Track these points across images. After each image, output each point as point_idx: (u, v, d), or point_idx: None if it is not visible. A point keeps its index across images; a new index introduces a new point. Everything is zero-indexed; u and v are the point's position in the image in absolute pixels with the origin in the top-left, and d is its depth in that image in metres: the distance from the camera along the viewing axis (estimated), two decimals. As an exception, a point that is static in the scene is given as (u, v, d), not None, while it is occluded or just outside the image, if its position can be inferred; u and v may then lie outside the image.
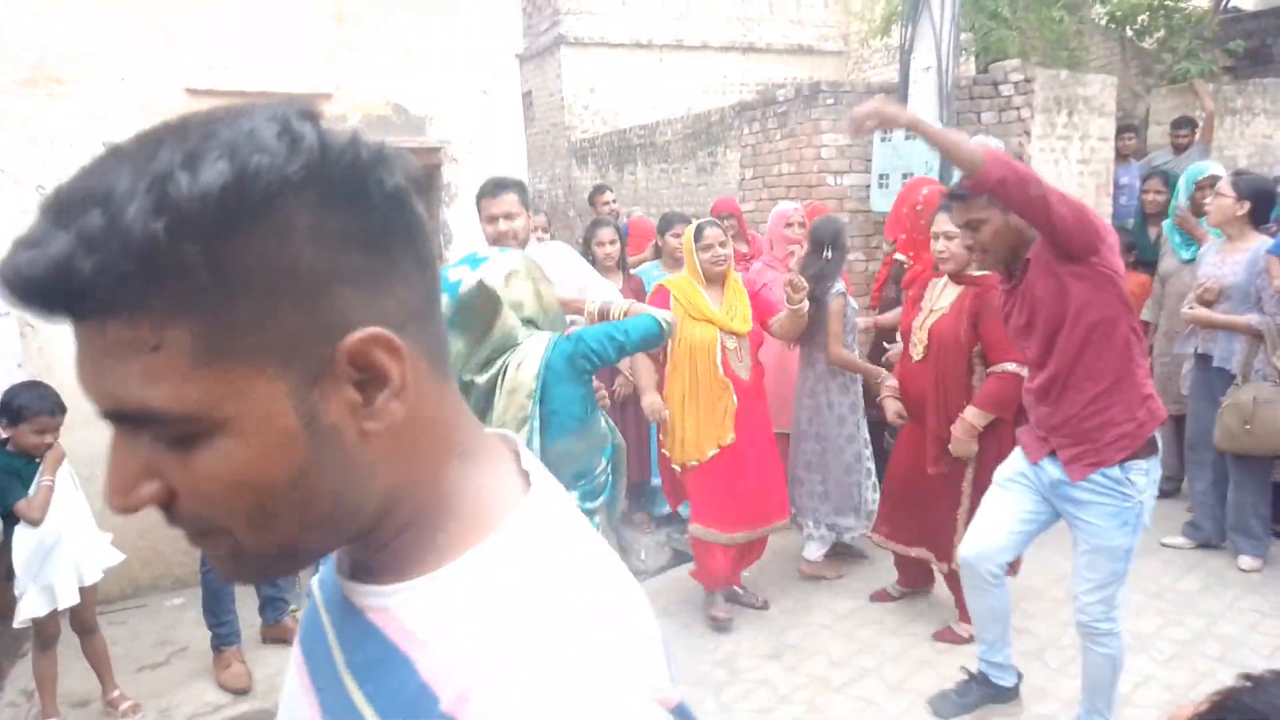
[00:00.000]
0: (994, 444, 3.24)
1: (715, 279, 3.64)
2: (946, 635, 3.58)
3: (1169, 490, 4.91)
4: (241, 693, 3.37)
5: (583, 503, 2.42)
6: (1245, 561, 4.11)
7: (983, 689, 3.03)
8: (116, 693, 3.27)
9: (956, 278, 3.34)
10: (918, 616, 3.76)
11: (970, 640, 3.36)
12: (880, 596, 3.92)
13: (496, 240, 3.00)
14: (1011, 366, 3.15)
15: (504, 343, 2.32)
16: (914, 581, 3.88)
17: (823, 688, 3.29)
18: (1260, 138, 8.53)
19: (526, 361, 2.31)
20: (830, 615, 3.84)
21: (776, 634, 3.66)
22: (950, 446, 3.31)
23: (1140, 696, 3.13)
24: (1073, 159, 6.80)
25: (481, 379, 2.33)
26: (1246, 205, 3.96)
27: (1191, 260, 4.57)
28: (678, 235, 4.59)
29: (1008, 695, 3.02)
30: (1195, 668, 3.32)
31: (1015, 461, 2.81)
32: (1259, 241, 3.95)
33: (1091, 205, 6.77)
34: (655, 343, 2.58)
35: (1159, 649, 3.45)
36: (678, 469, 3.69)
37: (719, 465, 3.59)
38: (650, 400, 3.60)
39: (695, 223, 3.73)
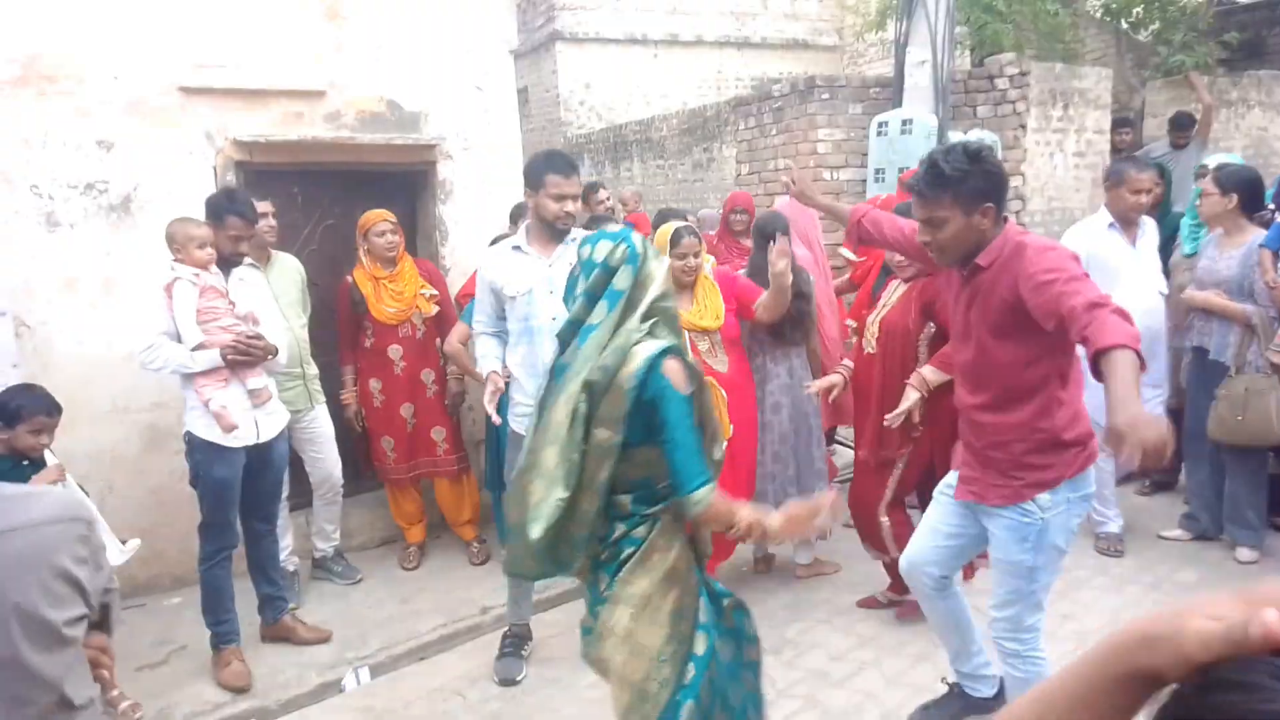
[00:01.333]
0: (925, 445, 3.45)
1: (685, 285, 3.65)
2: (869, 602, 3.84)
3: (1166, 483, 4.93)
4: (241, 691, 3.36)
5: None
6: (1242, 553, 4.12)
7: (960, 701, 2.95)
8: (116, 692, 3.23)
9: (909, 276, 3.48)
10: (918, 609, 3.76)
11: (887, 606, 3.77)
12: (868, 603, 3.86)
13: (556, 220, 3.13)
14: None
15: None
16: (903, 589, 3.76)
17: (821, 682, 3.30)
18: (1256, 130, 8.55)
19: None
20: (829, 610, 3.85)
21: (775, 628, 3.66)
22: (901, 403, 3.27)
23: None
24: (1069, 152, 6.81)
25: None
26: (1234, 198, 3.97)
27: (1193, 254, 4.57)
28: None
29: (985, 706, 2.93)
30: (1193, 659, 3.32)
31: (951, 474, 2.78)
32: (1254, 235, 3.97)
33: (1086, 198, 6.79)
34: None
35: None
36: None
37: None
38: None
39: (674, 228, 3.71)
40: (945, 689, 3.02)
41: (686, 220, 4.75)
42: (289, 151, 4.40)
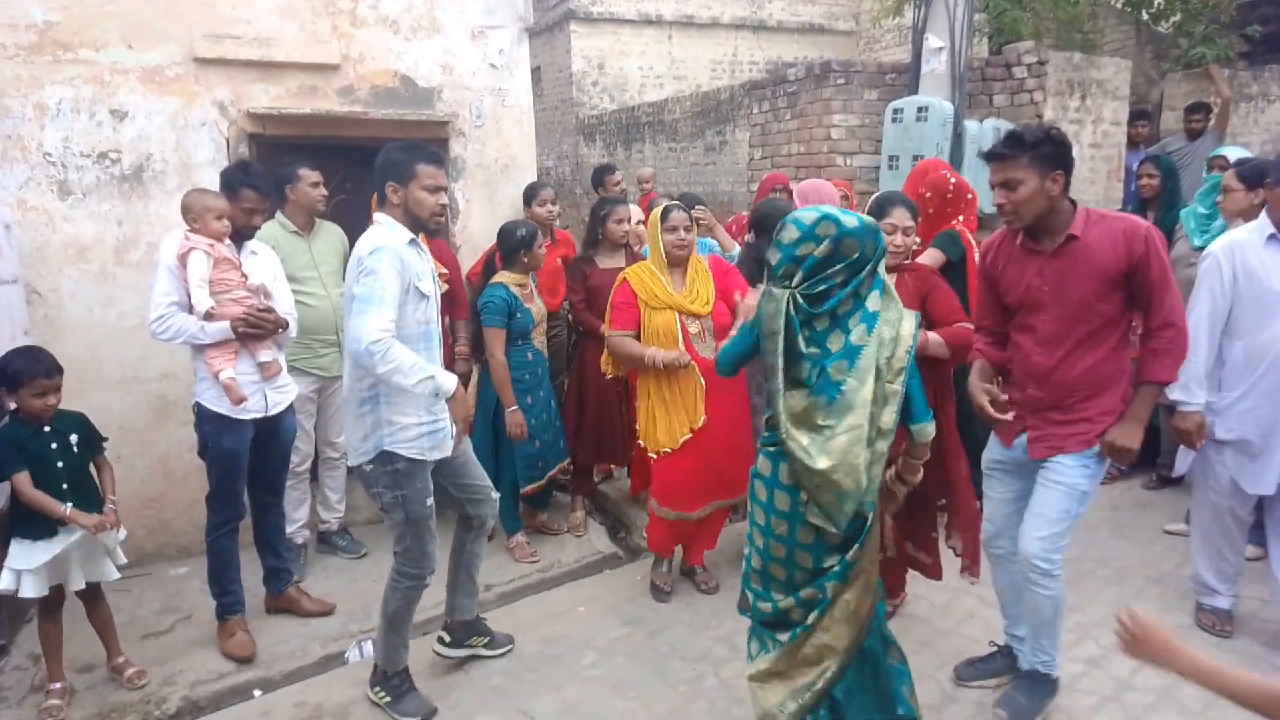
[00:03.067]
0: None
1: (677, 262, 3.65)
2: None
3: (1173, 478, 4.91)
4: (245, 661, 3.40)
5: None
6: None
7: (1006, 660, 3.14)
8: (121, 659, 3.30)
9: (893, 268, 3.38)
10: (917, 599, 3.77)
11: (890, 613, 3.56)
12: None
13: (432, 216, 2.91)
14: (970, 326, 3.27)
15: None
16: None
17: (822, 666, 3.31)
18: (1275, 124, 8.46)
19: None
20: (831, 595, 3.85)
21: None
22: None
23: (1141, 680, 3.13)
24: (1084, 143, 6.74)
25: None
26: (1259, 193, 3.91)
27: (1203, 248, 4.52)
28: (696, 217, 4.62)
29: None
30: (1194, 653, 3.33)
31: (992, 449, 3.01)
32: None
33: (1101, 190, 6.73)
34: None
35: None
36: (653, 456, 3.71)
37: (689, 451, 3.62)
38: (653, 353, 3.58)
39: (663, 204, 3.73)
40: (994, 649, 3.20)
41: (703, 205, 4.75)
42: (302, 124, 4.39)
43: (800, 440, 2.27)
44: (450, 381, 2.79)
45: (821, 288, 2.28)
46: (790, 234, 2.33)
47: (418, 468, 2.92)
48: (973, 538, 3.35)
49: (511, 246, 4.05)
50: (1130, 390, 2.74)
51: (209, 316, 3.23)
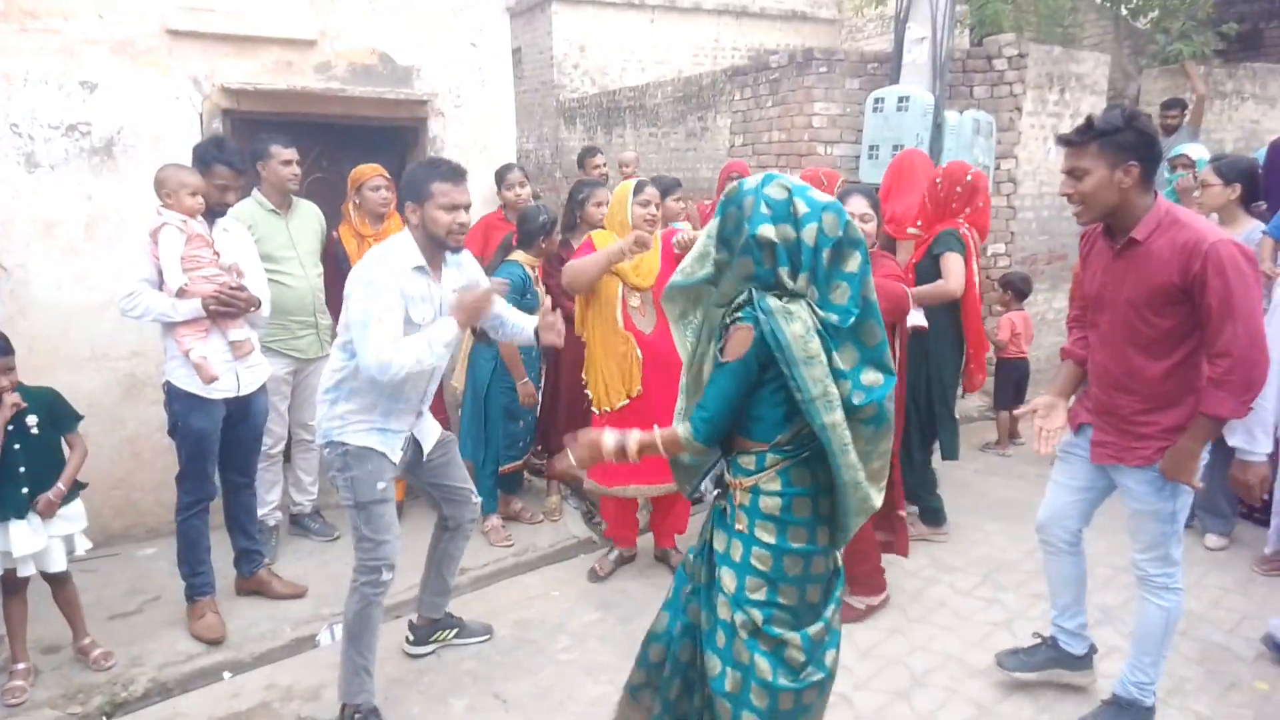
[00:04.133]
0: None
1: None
2: (847, 614, 3.51)
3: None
4: (215, 643, 3.36)
5: None
6: (1211, 540, 4.18)
7: (1051, 652, 3.06)
8: (88, 640, 3.26)
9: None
10: (890, 585, 3.80)
11: (866, 612, 3.54)
12: None
13: (449, 234, 2.82)
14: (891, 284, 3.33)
15: None
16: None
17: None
18: (1248, 122, 8.56)
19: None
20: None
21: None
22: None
23: (1104, 667, 3.18)
24: (1062, 136, 6.78)
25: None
26: (1237, 188, 3.95)
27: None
28: (678, 200, 4.66)
29: (1076, 663, 3.04)
30: (1158, 642, 3.39)
31: (1068, 435, 2.87)
32: (1251, 226, 3.95)
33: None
34: None
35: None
36: (596, 413, 3.77)
37: (628, 417, 3.59)
38: (608, 248, 3.57)
39: (636, 179, 3.79)
40: (1039, 641, 3.11)
41: (681, 186, 4.77)
42: (278, 101, 4.32)
43: (869, 490, 2.06)
44: (448, 327, 2.75)
45: (825, 287, 2.00)
46: (764, 209, 1.99)
47: (368, 452, 2.86)
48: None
49: (532, 231, 4.11)
50: (1196, 410, 2.51)
51: (181, 294, 3.18)
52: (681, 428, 2.13)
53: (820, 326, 1.96)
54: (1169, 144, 6.65)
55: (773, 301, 1.97)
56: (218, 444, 3.39)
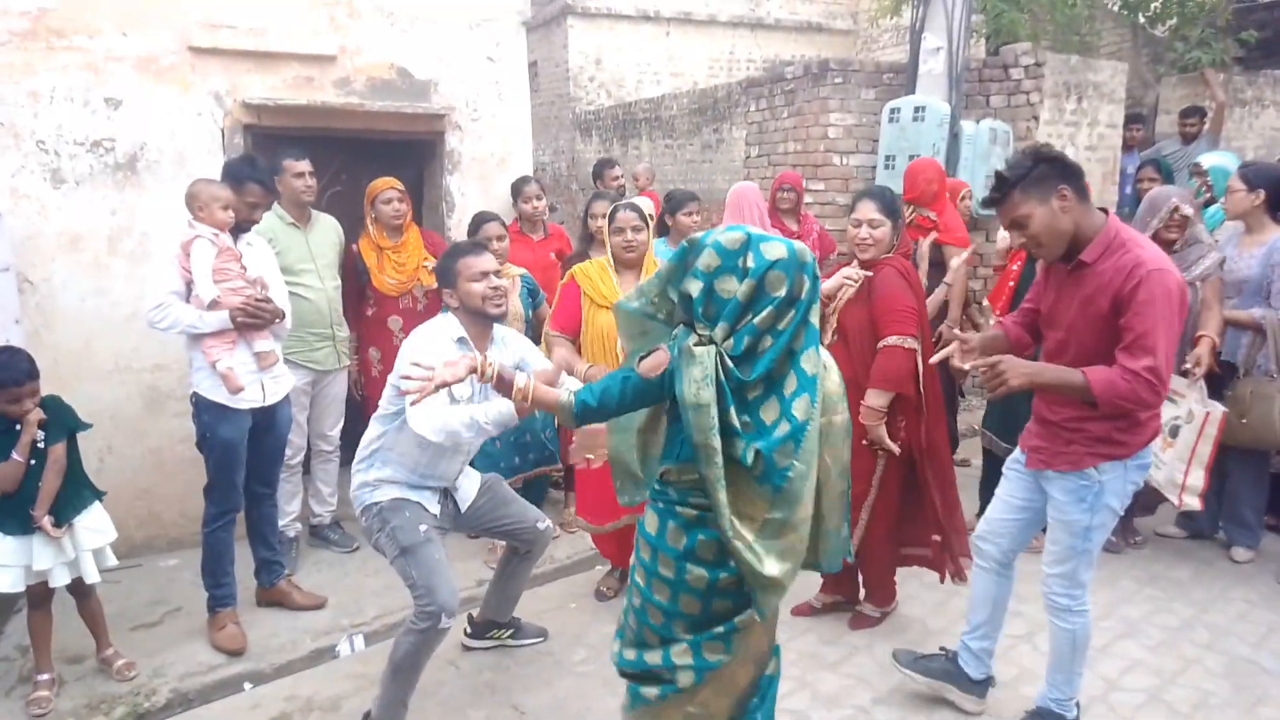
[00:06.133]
0: (902, 436, 3.28)
1: (628, 264, 3.56)
2: (802, 609, 3.68)
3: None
4: (236, 654, 3.38)
5: None
6: (1239, 553, 4.13)
7: (947, 665, 3.01)
8: (110, 650, 3.28)
9: (866, 264, 3.34)
10: (910, 599, 3.78)
11: (880, 619, 3.59)
12: (802, 610, 3.68)
13: (485, 301, 2.88)
14: (894, 340, 3.20)
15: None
16: (837, 589, 3.68)
17: (814, 664, 3.32)
18: (1269, 130, 8.49)
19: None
20: (823, 593, 3.86)
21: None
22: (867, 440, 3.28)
23: (1129, 681, 3.15)
24: (1080, 145, 6.76)
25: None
26: (1261, 194, 3.92)
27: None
28: (689, 214, 4.50)
29: (969, 685, 2.98)
30: (1183, 654, 3.35)
31: (1015, 451, 2.90)
32: (1277, 234, 3.91)
33: (1096, 193, 6.74)
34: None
35: (1148, 635, 3.48)
36: (577, 465, 3.39)
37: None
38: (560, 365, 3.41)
39: (612, 205, 3.66)
40: (940, 653, 3.08)
41: (697, 200, 4.71)
42: (298, 116, 4.37)
43: (746, 538, 1.94)
44: (505, 408, 2.63)
45: (748, 340, 1.92)
46: (709, 259, 1.94)
47: (402, 502, 2.89)
48: (962, 538, 3.37)
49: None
50: (1129, 428, 2.53)
51: (214, 305, 3.23)
52: (567, 397, 2.21)
53: (725, 378, 1.91)
54: (1188, 152, 6.61)
55: (689, 342, 1.95)
56: (244, 455, 3.43)
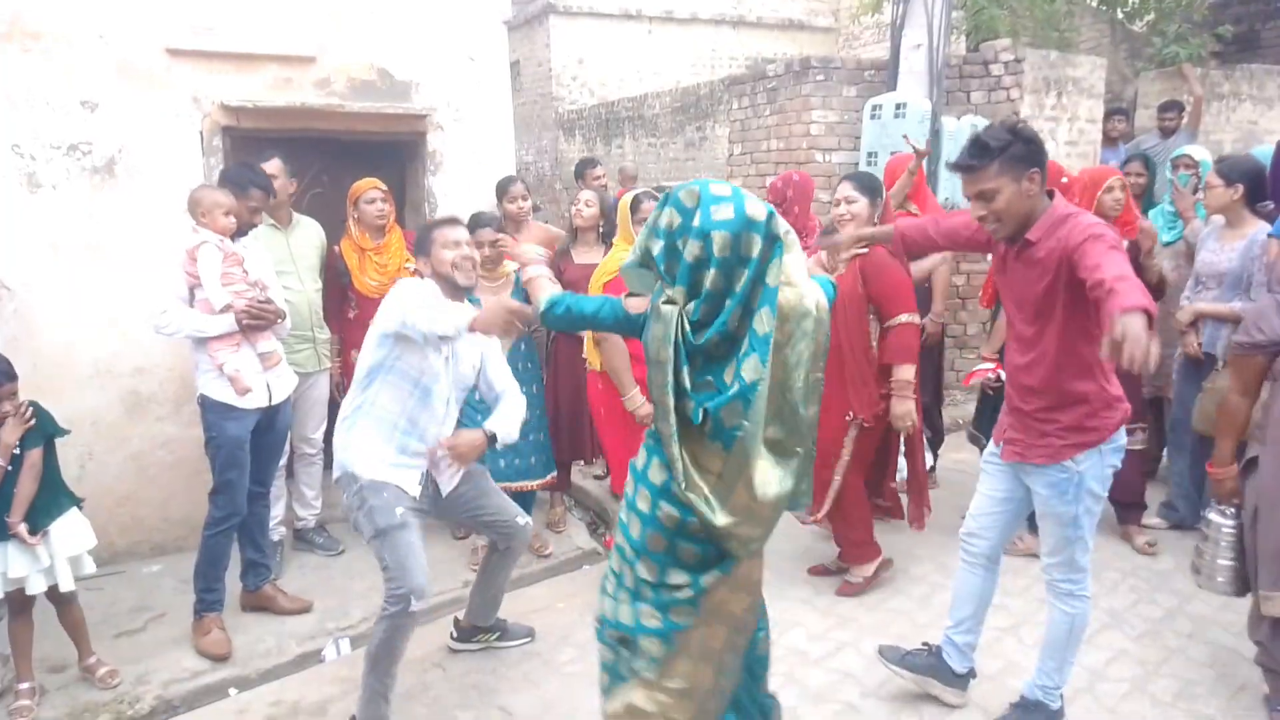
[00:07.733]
0: (883, 405, 3.59)
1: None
2: (818, 570, 3.99)
3: (1148, 471, 4.97)
4: (221, 659, 3.35)
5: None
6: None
7: (931, 660, 3.03)
8: (93, 658, 3.25)
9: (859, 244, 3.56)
10: (897, 593, 3.80)
11: (865, 585, 3.79)
12: (818, 571, 3.98)
13: (454, 269, 2.96)
14: (905, 318, 3.48)
15: None
16: (857, 558, 3.84)
17: (800, 660, 3.33)
18: (1246, 123, 8.57)
19: None
20: (810, 589, 3.87)
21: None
22: (894, 420, 3.58)
23: (1114, 671, 3.17)
24: (1060, 140, 6.81)
25: None
26: (1239, 189, 3.95)
27: (1172, 243, 4.59)
28: None
29: (952, 679, 3.01)
30: (1166, 644, 3.38)
31: (990, 445, 2.92)
32: (1256, 227, 3.93)
33: (1078, 187, 6.75)
34: None
35: (1132, 625, 3.51)
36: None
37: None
38: (635, 405, 3.58)
39: (633, 193, 3.75)
40: (924, 648, 3.09)
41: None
42: (277, 117, 4.34)
43: (702, 489, 1.98)
44: (458, 315, 2.61)
45: (704, 308, 1.93)
46: (669, 218, 1.97)
47: (382, 484, 2.86)
48: (920, 494, 3.81)
49: None
50: (1099, 412, 2.56)
51: (226, 309, 3.27)
52: (546, 299, 2.40)
53: (682, 338, 1.94)
54: (1168, 146, 6.65)
55: (659, 300, 2.00)
56: (249, 456, 3.44)
